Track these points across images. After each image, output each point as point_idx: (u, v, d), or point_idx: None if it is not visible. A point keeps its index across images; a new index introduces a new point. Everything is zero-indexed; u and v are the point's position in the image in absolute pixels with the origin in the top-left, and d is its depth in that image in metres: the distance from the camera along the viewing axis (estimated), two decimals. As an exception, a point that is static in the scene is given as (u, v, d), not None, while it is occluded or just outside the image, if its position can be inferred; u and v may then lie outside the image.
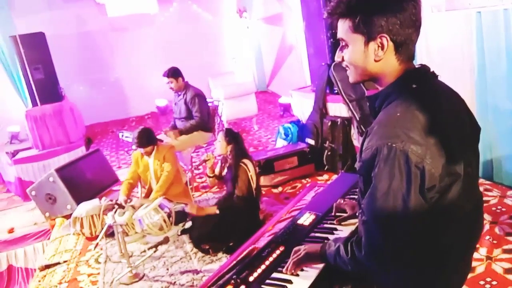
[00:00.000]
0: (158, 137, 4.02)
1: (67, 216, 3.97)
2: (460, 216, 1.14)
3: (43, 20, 7.45)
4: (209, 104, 4.92)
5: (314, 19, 4.68)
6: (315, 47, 4.87)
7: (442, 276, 1.19)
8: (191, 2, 9.07)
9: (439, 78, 1.18)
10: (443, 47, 3.77)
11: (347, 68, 1.20)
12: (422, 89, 1.11)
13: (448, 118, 1.12)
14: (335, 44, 4.49)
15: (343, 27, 1.14)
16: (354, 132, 4.35)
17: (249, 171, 3.21)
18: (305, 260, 1.40)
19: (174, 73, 4.54)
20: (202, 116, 4.54)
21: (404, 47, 1.11)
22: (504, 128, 3.35)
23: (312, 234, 1.64)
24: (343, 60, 1.19)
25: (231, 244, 3.11)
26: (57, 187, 4.03)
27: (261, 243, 1.65)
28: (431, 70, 1.17)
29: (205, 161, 3.48)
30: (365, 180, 1.16)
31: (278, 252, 1.52)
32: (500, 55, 3.27)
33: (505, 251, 2.64)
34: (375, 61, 1.12)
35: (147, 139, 3.68)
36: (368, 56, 1.12)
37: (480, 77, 3.46)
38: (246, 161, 3.24)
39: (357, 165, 1.19)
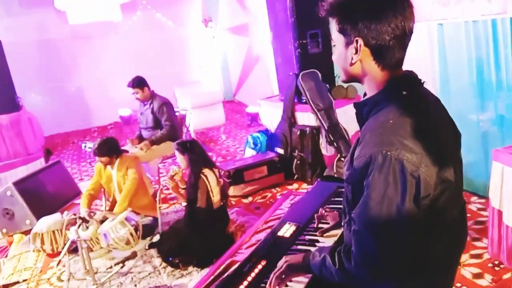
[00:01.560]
0: (123, 147, 3.90)
1: (26, 232, 3.75)
2: (448, 223, 1.14)
3: (0, 27, 7.13)
4: (176, 114, 4.82)
5: (282, 30, 4.71)
6: (283, 57, 4.89)
7: (434, 284, 1.19)
8: (155, 10, 8.95)
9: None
10: (407, 58, 3.86)
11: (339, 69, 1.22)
12: (412, 95, 1.11)
13: (437, 124, 1.12)
14: (303, 54, 4.54)
15: (332, 27, 1.15)
16: (322, 141, 4.39)
17: (209, 182, 3.15)
18: (288, 273, 1.34)
19: (139, 83, 4.42)
20: (172, 124, 4.44)
21: (384, 54, 1.10)
22: (466, 136, 3.45)
23: (295, 247, 1.59)
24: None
25: (200, 257, 3.04)
26: (15, 201, 3.81)
27: (240, 256, 1.60)
28: (418, 76, 1.18)
29: (172, 176, 3.34)
30: (354, 189, 1.14)
31: (260, 266, 1.46)
32: (462, 66, 3.39)
33: (473, 256, 2.71)
34: (351, 64, 1.13)
35: (107, 149, 3.57)
36: (346, 58, 1.13)
37: (442, 88, 3.57)
38: (206, 170, 3.18)
39: (345, 174, 1.17)
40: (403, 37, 1.10)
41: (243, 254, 1.62)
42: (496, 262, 2.61)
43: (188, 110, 6.43)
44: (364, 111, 1.17)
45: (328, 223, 1.68)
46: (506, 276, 2.49)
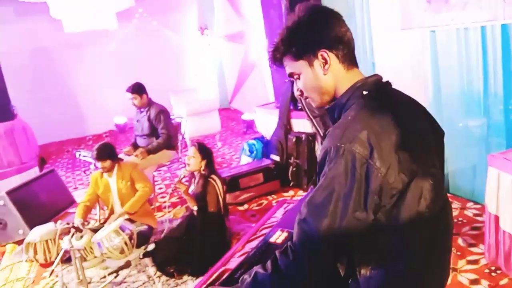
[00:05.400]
0: (118, 156, 3.87)
1: (19, 242, 3.71)
2: (427, 217, 1.13)
3: (-6, 35, 7.13)
4: (172, 121, 4.80)
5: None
6: (278, 64, 4.89)
7: (417, 283, 1.18)
8: (151, 18, 8.96)
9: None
10: (399, 65, 3.89)
11: (308, 99, 1.27)
12: (373, 94, 1.17)
13: (403, 120, 1.14)
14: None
15: (288, 63, 1.24)
16: (318, 147, 4.38)
17: (218, 187, 3.16)
18: None
19: (138, 89, 4.41)
20: (168, 132, 4.42)
21: (345, 53, 1.19)
22: (459, 143, 3.47)
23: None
24: (302, 92, 1.26)
25: (196, 266, 3.00)
26: (8, 210, 3.78)
27: (232, 264, 1.58)
28: (384, 79, 1.24)
29: (180, 180, 3.29)
30: None
31: (251, 273, 1.44)
32: (454, 73, 3.40)
33: (470, 262, 2.69)
34: (325, 74, 1.20)
35: (109, 153, 3.53)
36: (317, 73, 1.20)
37: (435, 94, 3.58)
38: (214, 177, 3.19)
39: None
40: (347, 33, 1.21)
41: (235, 262, 1.59)
42: (493, 268, 2.59)
43: (183, 117, 6.41)
44: (335, 115, 1.23)
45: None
46: (503, 282, 2.47)
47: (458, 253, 2.79)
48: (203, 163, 3.23)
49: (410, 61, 3.78)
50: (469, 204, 3.42)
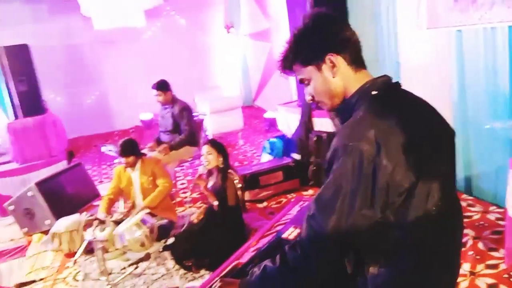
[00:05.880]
0: (142, 151, 3.96)
1: (46, 232, 3.85)
2: (435, 216, 1.14)
3: (29, 32, 7.36)
4: (195, 118, 4.88)
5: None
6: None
7: (426, 281, 1.18)
8: (179, 17, 9.10)
9: (416, 92, 1.25)
10: (424, 64, 3.82)
11: (320, 104, 1.29)
12: (381, 94, 1.19)
13: (411, 120, 1.15)
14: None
15: (297, 70, 1.28)
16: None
17: (236, 181, 3.21)
18: None
19: (163, 86, 4.51)
20: (191, 129, 4.50)
21: (352, 55, 1.22)
22: (484, 145, 3.39)
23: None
24: (313, 97, 1.29)
25: (213, 260, 3.05)
26: (36, 201, 3.92)
27: (245, 258, 1.61)
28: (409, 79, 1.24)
29: (200, 176, 3.37)
30: None
31: (262, 267, 1.47)
32: (480, 73, 3.32)
33: (489, 267, 2.64)
34: (333, 77, 1.22)
35: (131, 149, 3.62)
36: (326, 77, 1.23)
37: (460, 95, 3.50)
38: (231, 171, 3.26)
39: None
40: (353, 36, 1.23)
41: (248, 256, 1.63)
42: (513, 274, 2.54)
43: (206, 114, 6.49)
44: (345, 114, 1.24)
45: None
46: (523, 288, 2.41)
47: (478, 257, 2.73)
48: (220, 159, 3.28)
49: (436, 61, 3.72)
50: (492, 208, 3.34)
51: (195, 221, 3.37)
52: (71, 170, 4.61)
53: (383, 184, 1.07)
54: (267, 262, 1.25)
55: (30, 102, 5.96)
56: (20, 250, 3.98)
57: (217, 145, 3.34)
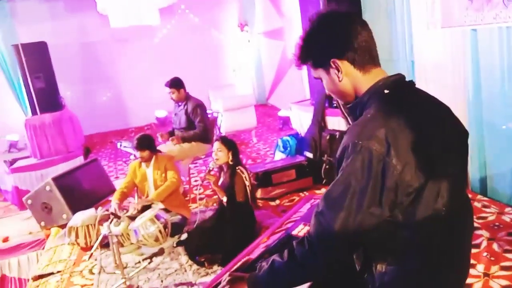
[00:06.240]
0: (157, 148, 4.01)
1: (63, 226, 3.94)
2: (444, 215, 1.14)
3: (46, 30, 7.51)
4: (209, 116, 4.92)
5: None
6: (314, 61, 4.89)
7: (433, 280, 1.19)
8: (194, 15, 9.16)
9: (430, 91, 1.25)
10: (438, 64, 3.79)
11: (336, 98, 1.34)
12: (393, 93, 1.19)
13: (422, 120, 1.16)
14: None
15: (311, 69, 1.31)
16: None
17: (245, 177, 3.23)
18: None
19: (176, 83, 4.56)
20: (205, 125, 4.54)
21: (358, 56, 1.21)
22: (499, 145, 3.35)
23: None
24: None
25: (226, 256, 3.09)
26: (54, 196, 4.00)
27: (256, 254, 1.63)
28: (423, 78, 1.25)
29: (210, 171, 3.42)
30: None
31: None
32: (495, 73, 3.28)
33: (503, 268, 2.62)
34: (340, 81, 1.23)
35: (148, 143, 3.68)
36: (333, 80, 1.25)
37: (475, 95, 3.47)
38: (241, 168, 3.28)
39: None
40: (359, 34, 1.21)
41: (258, 252, 1.65)
42: (527, 276, 2.51)
43: (220, 112, 6.53)
44: (357, 113, 1.25)
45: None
46: (536, 291, 2.39)
47: (492, 259, 2.71)
48: (230, 155, 3.31)
49: (451, 60, 3.69)
50: (507, 209, 3.30)
51: (208, 206, 3.40)
52: (88, 165, 4.69)
53: (392, 184, 1.08)
54: (275, 257, 1.27)
55: (48, 98, 6.09)
56: (38, 243, 4.09)
57: (228, 142, 3.37)
